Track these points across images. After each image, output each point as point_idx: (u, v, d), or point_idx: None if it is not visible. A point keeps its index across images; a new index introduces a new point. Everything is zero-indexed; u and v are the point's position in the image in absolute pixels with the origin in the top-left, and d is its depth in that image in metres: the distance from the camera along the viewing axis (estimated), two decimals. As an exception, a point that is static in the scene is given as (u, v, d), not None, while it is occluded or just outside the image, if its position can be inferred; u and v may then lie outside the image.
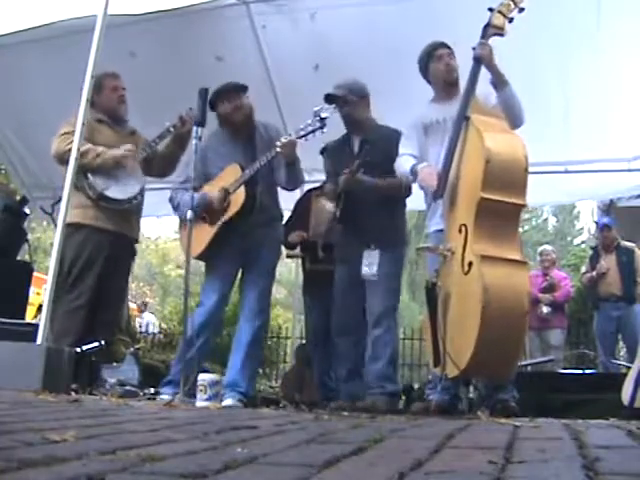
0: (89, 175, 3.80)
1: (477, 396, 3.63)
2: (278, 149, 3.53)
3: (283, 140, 3.53)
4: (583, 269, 7.02)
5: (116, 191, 3.84)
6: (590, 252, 7.37)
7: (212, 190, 3.66)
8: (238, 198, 3.60)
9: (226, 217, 3.62)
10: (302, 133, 3.53)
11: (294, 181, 3.80)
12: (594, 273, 6.32)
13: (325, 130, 3.56)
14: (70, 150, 3.50)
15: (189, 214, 3.35)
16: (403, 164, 3.43)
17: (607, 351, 6.20)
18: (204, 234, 3.64)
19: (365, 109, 3.78)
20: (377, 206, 3.63)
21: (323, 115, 3.49)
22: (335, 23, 4.63)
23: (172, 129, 3.90)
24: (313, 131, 3.53)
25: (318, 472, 1.03)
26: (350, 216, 3.66)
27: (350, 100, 3.70)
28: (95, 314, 3.75)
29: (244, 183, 3.60)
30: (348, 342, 3.72)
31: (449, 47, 3.48)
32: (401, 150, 3.50)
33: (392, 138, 3.62)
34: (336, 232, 3.83)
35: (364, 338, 3.66)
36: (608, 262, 6.28)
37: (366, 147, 3.60)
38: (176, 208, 3.78)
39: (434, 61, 3.46)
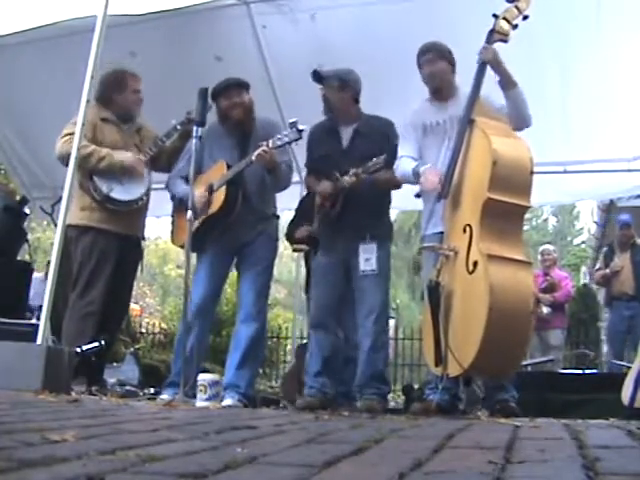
0: (94, 177, 3.77)
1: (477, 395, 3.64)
2: (253, 157, 3.52)
3: (259, 149, 3.51)
4: (583, 269, 7.02)
5: (121, 192, 3.82)
6: (590, 252, 7.38)
7: (199, 185, 3.64)
8: (219, 197, 3.62)
9: (206, 215, 3.64)
10: (279, 143, 3.51)
11: (275, 187, 3.80)
12: (607, 271, 6.29)
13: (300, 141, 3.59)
14: None
15: (188, 214, 3.38)
16: (404, 166, 3.42)
17: (615, 351, 6.16)
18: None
19: (348, 100, 3.69)
20: (370, 200, 3.61)
21: (300, 127, 3.48)
22: (335, 23, 4.63)
23: (179, 127, 3.88)
24: (289, 142, 3.54)
25: (318, 472, 1.04)
26: (343, 209, 3.64)
27: (333, 86, 3.64)
28: (103, 317, 3.73)
29: (227, 183, 3.61)
30: (324, 336, 3.67)
31: (435, 50, 3.42)
32: (400, 152, 3.49)
33: (386, 129, 3.61)
34: (324, 224, 3.76)
35: (337, 333, 3.68)
36: (622, 260, 6.24)
37: (359, 141, 3.59)
38: (171, 198, 3.90)
39: (421, 67, 3.46)
